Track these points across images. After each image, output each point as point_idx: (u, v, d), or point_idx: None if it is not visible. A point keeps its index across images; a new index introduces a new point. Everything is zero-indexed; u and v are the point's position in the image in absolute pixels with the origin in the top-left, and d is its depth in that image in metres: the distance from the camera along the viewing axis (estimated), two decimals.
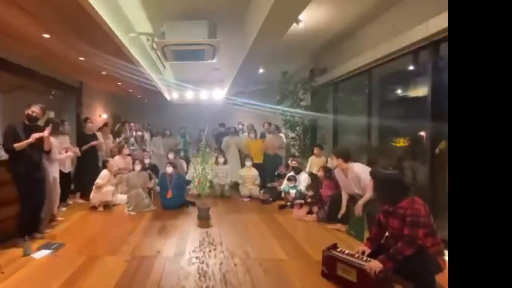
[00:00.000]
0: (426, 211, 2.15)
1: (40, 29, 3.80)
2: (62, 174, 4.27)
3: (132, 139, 6.77)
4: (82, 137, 5.44)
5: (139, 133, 7.01)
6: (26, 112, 3.30)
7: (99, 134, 5.71)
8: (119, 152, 5.63)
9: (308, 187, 4.72)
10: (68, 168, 4.81)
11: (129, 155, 5.83)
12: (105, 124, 6.12)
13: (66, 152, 4.49)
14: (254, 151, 6.32)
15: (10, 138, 3.14)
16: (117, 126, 7.29)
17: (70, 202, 4.98)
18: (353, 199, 3.65)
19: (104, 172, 4.94)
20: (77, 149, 4.82)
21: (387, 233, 2.47)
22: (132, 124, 7.21)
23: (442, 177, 3.36)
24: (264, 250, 3.16)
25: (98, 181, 4.76)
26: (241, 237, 3.56)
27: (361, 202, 3.43)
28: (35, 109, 3.32)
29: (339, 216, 3.77)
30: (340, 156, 3.53)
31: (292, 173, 5.21)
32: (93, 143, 5.32)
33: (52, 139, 3.60)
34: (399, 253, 2.12)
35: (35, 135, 3.20)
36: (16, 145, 3.11)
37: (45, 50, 4.72)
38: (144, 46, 5.45)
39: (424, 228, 2.11)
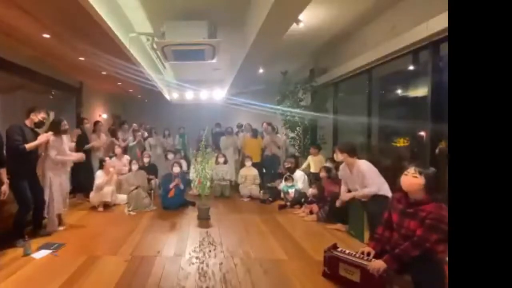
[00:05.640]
0: (447, 219, 2.06)
1: (40, 29, 3.81)
2: None
3: (131, 139, 6.77)
4: (83, 137, 5.42)
5: (139, 133, 7.01)
6: (34, 117, 3.34)
7: (93, 135, 5.70)
8: (113, 152, 5.60)
9: (314, 187, 4.69)
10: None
11: (124, 154, 5.82)
12: (95, 124, 5.89)
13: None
14: (252, 150, 6.31)
15: (20, 138, 3.14)
16: (120, 125, 7.31)
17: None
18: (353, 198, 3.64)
19: (99, 172, 4.93)
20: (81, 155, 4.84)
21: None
22: (135, 124, 7.21)
23: (442, 177, 3.36)
24: (264, 250, 3.16)
25: (98, 181, 4.77)
26: (241, 237, 3.56)
27: (353, 194, 3.39)
28: (44, 115, 3.42)
29: (337, 204, 3.72)
30: (346, 151, 3.50)
31: (288, 173, 5.23)
32: (94, 143, 5.37)
33: (52, 138, 3.61)
34: (404, 253, 2.07)
35: (41, 138, 3.28)
36: (27, 146, 3.13)
37: (45, 50, 4.73)
38: (144, 46, 5.46)
39: (440, 234, 2.03)
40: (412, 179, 2.18)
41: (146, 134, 7.22)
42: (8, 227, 3.24)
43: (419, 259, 2.05)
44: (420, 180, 2.15)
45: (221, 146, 6.68)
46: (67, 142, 4.06)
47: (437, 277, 2.07)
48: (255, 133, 6.64)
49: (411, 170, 2.21)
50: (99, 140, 5.63)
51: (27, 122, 3.33)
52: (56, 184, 3.62)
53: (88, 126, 5.56)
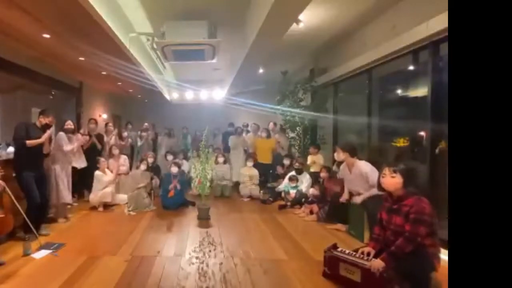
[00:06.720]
0: (431, 211, 2.15)
1: (40, 29, 3.81)
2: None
3: (139, 139, 6.75)
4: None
5: (146, 133, 6.96)
6: (42, 120, 3.48)
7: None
8: (110, 153, 5.50)
9: (315, 187, 4.68)
10: (82, 164, 4.82)
11: (125, 154, 5.82)
12: (106, 125, 6.09)
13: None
14: (263, 151, 6.18)
15: (23, 134, 3.27)
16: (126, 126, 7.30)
17: (74, 204, 4.90)
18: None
19: (97, 173, 4.88)
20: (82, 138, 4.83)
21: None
22: (146, 124, 7.20)
23: (442, 177, 3.36)
24: (264, 250, 3.16)
25: (103, 179, 4.79)
26: (241, 237, 3.56)
27: (362, 196, 3.40)
28: (51, 119, 3.57)
29: (340, 200, 3.74)
30: (347, 150, 3.51)
31: (293, 172, 5.21)
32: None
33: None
34: (399, 250, 2.12)
35: (44, 136, 3.40)
36: (28, 142, 3.25)
37: (45, 50, 4.72)
38: (144, 46, 5.45)
39: (426, 227, 2.12)
40: (390, 179, 2.28)
41: (153, 134, 7.21)
42: (14, 226, 3.25)
43: (409, 255, 2.10)
44: (398, 179, 2.25)
45: (230, 146, 6.65)
46: (76, 141, 4.16)
47: (426, 271, 2.14)
48: (269, 134, 6.47)
49: (386, 171, 2.30)
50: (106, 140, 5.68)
51: (38, 123, 3.51)
52: (62, 175, 3.88)
53: (93, 126, 5.47)
